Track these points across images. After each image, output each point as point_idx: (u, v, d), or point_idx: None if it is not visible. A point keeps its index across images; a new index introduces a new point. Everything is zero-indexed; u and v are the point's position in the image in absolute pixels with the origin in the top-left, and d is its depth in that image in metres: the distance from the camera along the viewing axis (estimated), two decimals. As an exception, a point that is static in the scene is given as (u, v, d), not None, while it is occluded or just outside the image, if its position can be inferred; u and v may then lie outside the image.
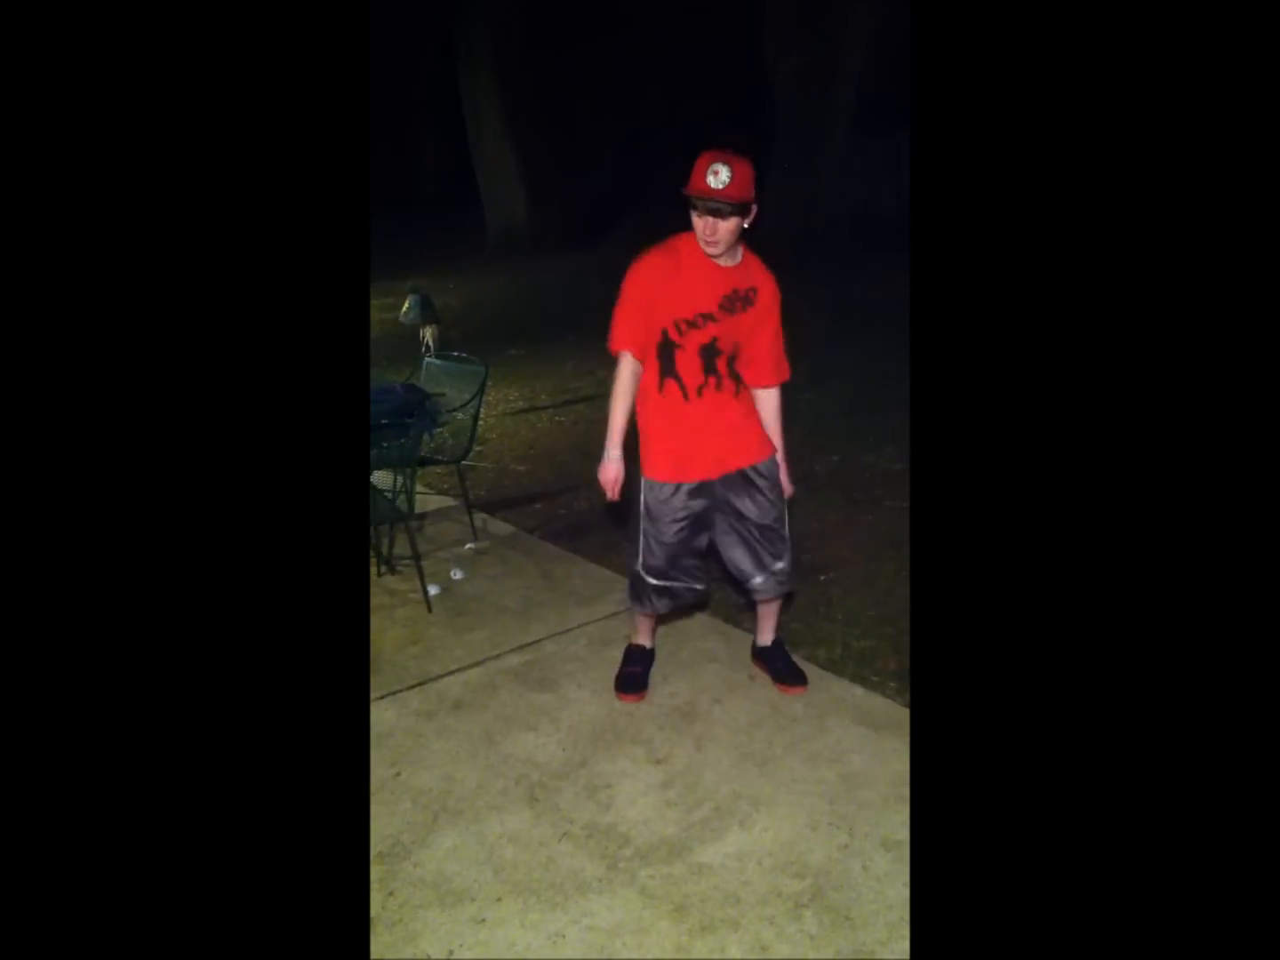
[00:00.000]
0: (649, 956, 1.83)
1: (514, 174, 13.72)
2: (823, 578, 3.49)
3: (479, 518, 4.09)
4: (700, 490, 2.54)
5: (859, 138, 11.39)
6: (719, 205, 2.27)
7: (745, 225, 2.34)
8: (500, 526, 4.11)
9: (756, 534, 2.59)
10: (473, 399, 3.87)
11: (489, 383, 4.06)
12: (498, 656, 3.00)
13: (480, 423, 4.17)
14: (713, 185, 2.26)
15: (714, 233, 2.31)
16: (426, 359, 4.33)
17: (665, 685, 2.79)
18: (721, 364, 2.48)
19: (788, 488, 2.67)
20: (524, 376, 6.76)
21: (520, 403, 6.15)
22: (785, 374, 2.67)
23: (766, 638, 2.83)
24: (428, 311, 6.10)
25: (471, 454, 4.33)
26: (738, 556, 2.63)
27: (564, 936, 1.89)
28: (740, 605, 3.27)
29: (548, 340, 8.00)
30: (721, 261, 2.41)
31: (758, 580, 2.64)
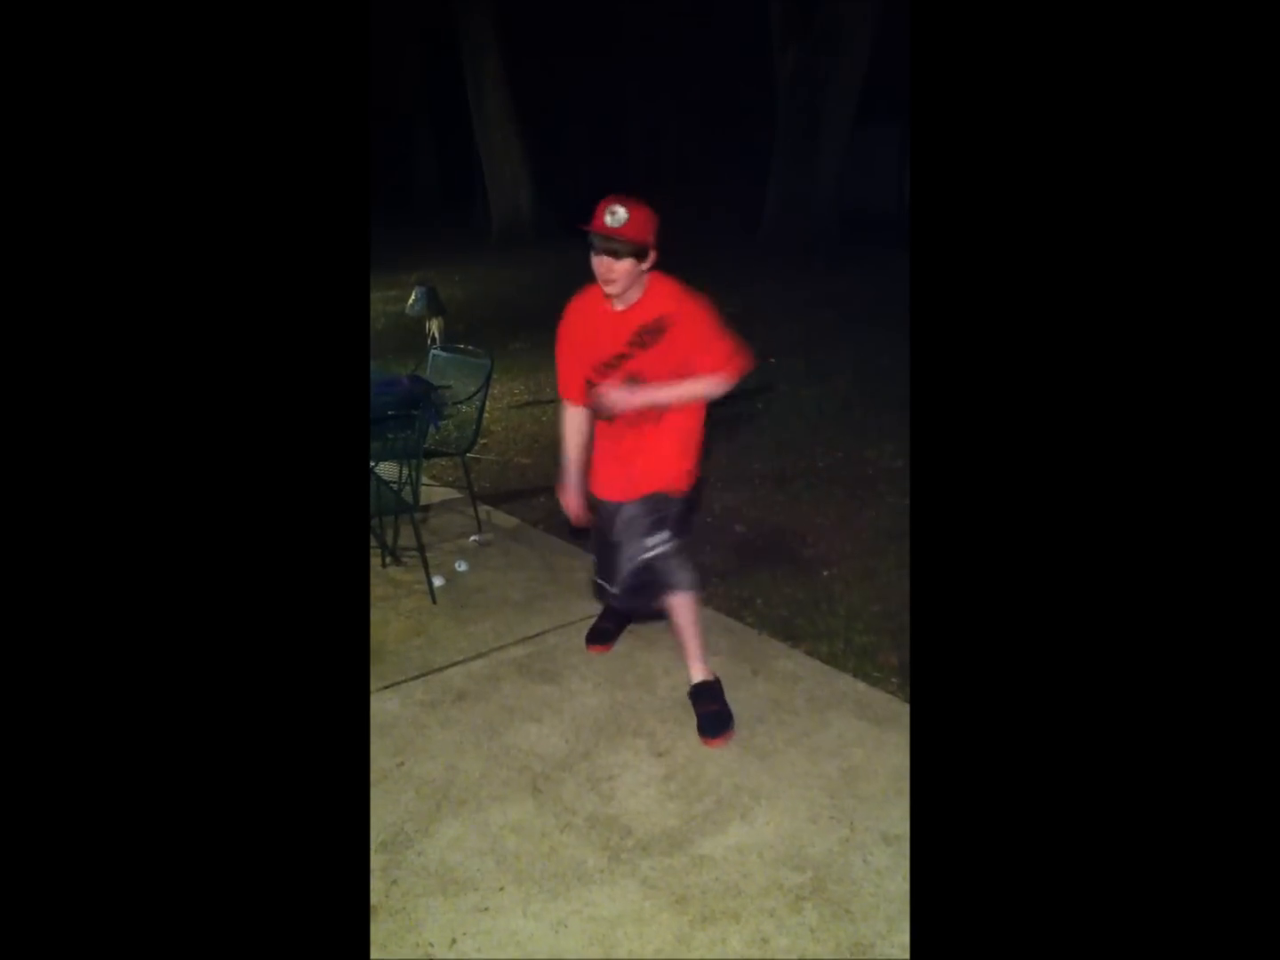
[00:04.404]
0: (650, 947, 1.85)
1: (519, 166, 13.71)
2: (825, 573, 3.51)
3: (483, 510, 4.10)
4: (620, 507, 2.60)
5: (861, 132, 11.37)
6: (614, 244, 2.32)
7: (642, 268, 2.38)
8: (504, 519, 4.12)
9: (616, 551, 2.62)
10: (477, 391, 3.88)
11: (493, 375, 4.07)
12: (501, 648, 3.01)
13: (485, 415, 4.18)
14: (609, 224, 2.32)
15: (609, 271, 2.35)
16: (432, 351, 4.34)
17: (667, 678, 2.80)
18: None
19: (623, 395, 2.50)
20: (528, 369, 6.76)
21: (524, 396, 6.16)
22: (723, 367, 2.47)
23: (694, 672, 2.67)
24: (433, 304, 6.11)
25: (476, 446, 4.34)
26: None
27: (566, 926, 1.90)
28: (743, 599, 3.29)
29: (552, 333, 7.97)
30: (622, 304, 2.45)
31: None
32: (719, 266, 10.72)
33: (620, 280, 2.37)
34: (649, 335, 2.45)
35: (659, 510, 2.58)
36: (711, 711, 2.57)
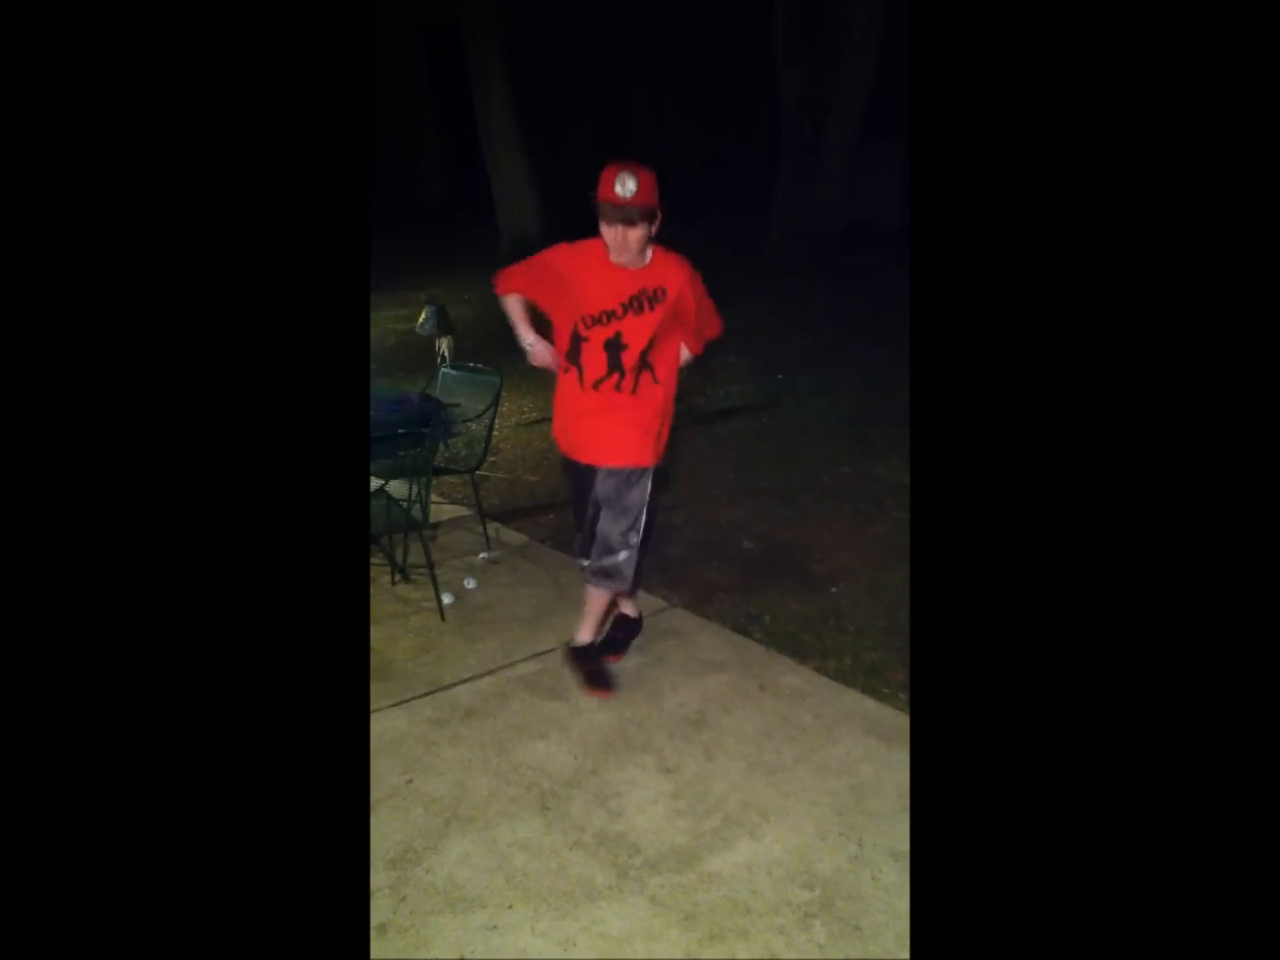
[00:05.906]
0: (658, 964, 1.85)
1: (526, 183, 13.78)
2: (832, 589, 3.51)
3: (492, 527, 4.12)
4: (584, 471, 2.76)
5: (867, 145, 11.39)
6: (629, 214, 2.39)
7: (653, 231, 2.48)
8: (513, 536, 4.13)
9: (596, 527, 2.77)
10: (487, 409, 3.91)
11: (503, 393, 4.09)
12: (510, 665, 3.02)
13: (494, 433, 4.20)
14: (620, 194, 2.38)
15: (624, 240, 2.44)
16: (442, 369, 4.36)
17: (675, 695, 2.81)
18: (628, 358, 2.59)
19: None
20: (537, 388, 6.77)
21: (534, 413, 6.18)
22: (711, 334, 2.79)
23: (583, 636, 2.93)
24: (443, 322, 6.13)
25: (485, 464, 4.36)
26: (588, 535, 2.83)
27: (574, 944, 1.90)
28: (750, 615, 3.29)
29: (560, 350, 8.02)
30: (627, 263, 2.52)
31: (582, 563, 2.87)
32: (723, 281, 10.72)
33: (636, 247, 2.46)
34: (646, 300, 2.53)
35: (636, 492, 2.71)
36: (591, 671, 2.85)
